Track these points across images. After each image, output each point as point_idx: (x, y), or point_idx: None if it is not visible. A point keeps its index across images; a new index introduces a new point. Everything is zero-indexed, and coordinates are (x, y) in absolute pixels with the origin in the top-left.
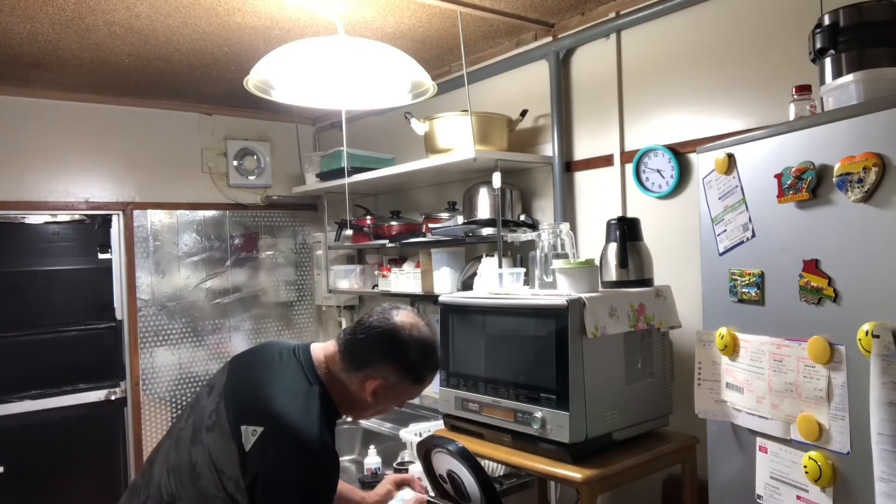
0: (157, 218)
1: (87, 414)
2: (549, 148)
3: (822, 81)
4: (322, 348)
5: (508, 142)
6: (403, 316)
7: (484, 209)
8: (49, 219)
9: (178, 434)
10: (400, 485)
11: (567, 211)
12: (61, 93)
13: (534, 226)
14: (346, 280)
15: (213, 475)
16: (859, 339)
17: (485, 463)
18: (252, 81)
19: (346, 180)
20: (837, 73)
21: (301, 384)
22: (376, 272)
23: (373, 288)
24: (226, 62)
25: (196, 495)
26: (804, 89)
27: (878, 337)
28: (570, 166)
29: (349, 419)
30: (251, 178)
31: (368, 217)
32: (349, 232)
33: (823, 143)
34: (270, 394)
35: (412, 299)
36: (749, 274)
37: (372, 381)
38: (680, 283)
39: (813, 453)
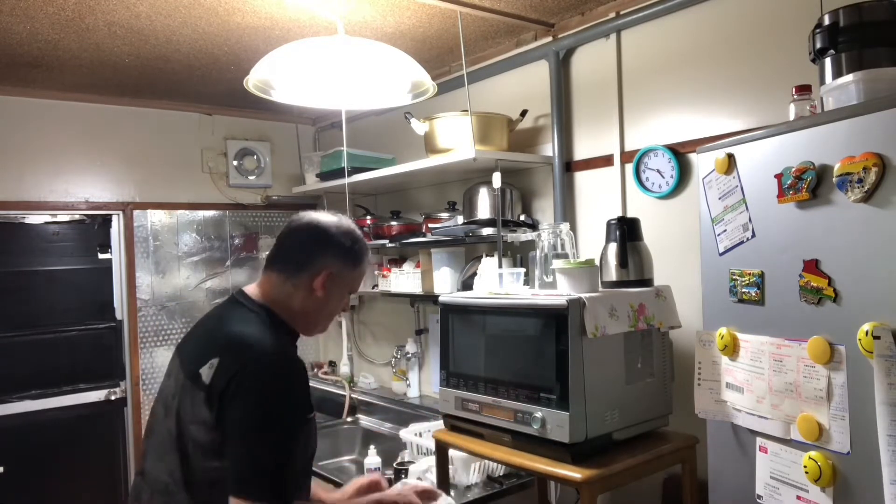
0: (157, 218)
1: (87, 414)
2: (549, 148)
3: (822, 81)
4: (254, 283)
5: (508, 142)
6: (319, 215)
7: (484, 209)
8: (49, 219)
9: (154, 426)
10: (368, 488)
11: (567, 211)
12: (61, 93)
13: (534, 226)
14: None
15: (191, 430)
16: (859, 340)
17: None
18: (252, 81)
19: (346, 180)
20: (837, 73)
21: (245, 314)
22: (376, 272)
23: (373, 288)
24: (226, 62)
25: (183, 458)
26: (804, 89)
27: (878, 338)
28: (570, 166)
29: (308, 336)
30: (251, 178)
31: (368, 217)
32: None
33: (823, 143)
34: (217, 332)
35: (412, 299)
36: (749, 274)
37: (318, 276)
38: (680, 283)
39: (813, 453)
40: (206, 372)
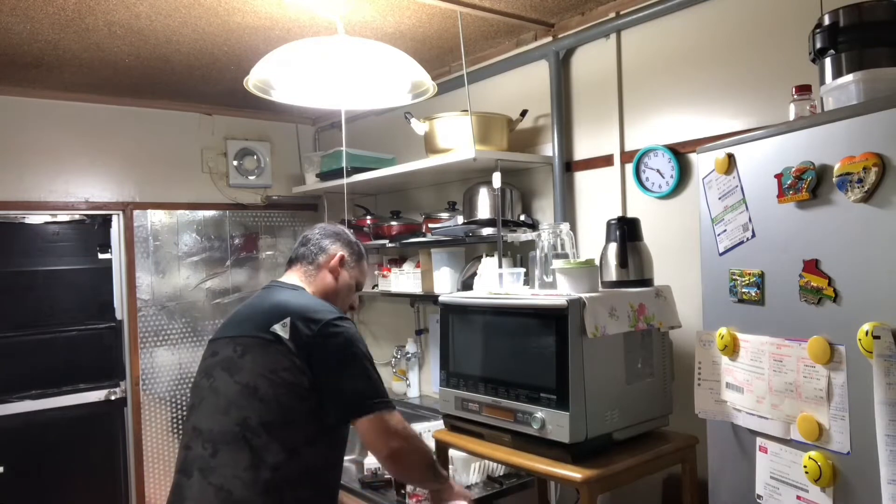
0: (157, 218)
1: (87, 414)
2: (549, 148)
3: (822, 81)
4: (283, 277)
5: (508, 142)
6: (328, 224)
7: (484, 209)
8: (49, 219)
9: (208, 393)
10: None
11: (567, 211)
12: (61, 93)
13: (534, 226)
14: None
15: (269, 379)
16: (859, 340)
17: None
18: (252, 81)
19: (346, 180)
20: (837, 73)
21: (288, 292)
22: (376, 272)
23: (373, 288)
24: (226, 62)
25: (261, 405)
26: (804, 89)
27: (878, 338)
28: (570, 166)
29: None
30: (251, 178)
31: (368, 217)
32: None
33: (823, 143)
34: (273, 303)
35: (412, 299)
36: (749, 274)
37: (332, 258)
38: (680, 283)
39: (813, 453)
40: (280, 329)
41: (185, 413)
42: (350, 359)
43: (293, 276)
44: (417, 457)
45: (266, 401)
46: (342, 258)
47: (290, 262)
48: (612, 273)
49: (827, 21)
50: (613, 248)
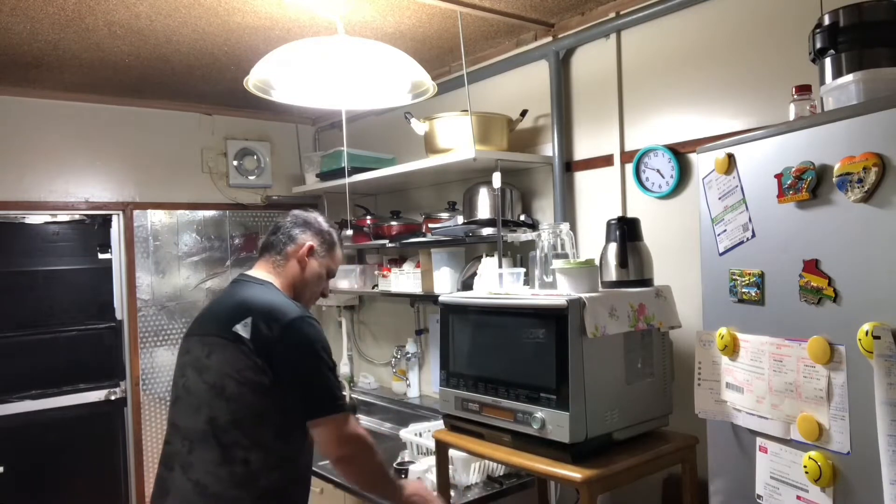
0: (157, 218)
1: (87, 414)
2: (549, 148)
3: (822, 81)
4: (252, 270)
5: (508, 142)
6: (301, 211)
7: (484, 209)
8: (49, 219)
9: (182, 391)
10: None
11: (567, 211)
12: (61, 93)
13: (534, 226)
14: (346, 280)
15: (234, 378)
16: (859, 340)
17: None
18: (252, 81)
19: (346, 180)
20: (837, 73)
21: (255, 287)
22: (376, 272)
23: (373, 288)
24: (226, 62)
25: (226, 404)
26: (804, 89)
27: (878, 338)
28: (570, 166)
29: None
30: (251, 178)
31: (368, 217)
32: (349, 232)
33: (823, 143)
34: (238, 300)
35: (412, 299)
36: (749, 274)
37: (300, 248)
38: (680, 283)
39: (813, 453)
40: (242, 328)
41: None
42: (309, 361)
43: (261, 269)
44: (368, 466)
45: (232, 400)
46: (311, 248)
47: (261, 252)
48: (612, 273)
49: (827, 21)
50: (613, 248)
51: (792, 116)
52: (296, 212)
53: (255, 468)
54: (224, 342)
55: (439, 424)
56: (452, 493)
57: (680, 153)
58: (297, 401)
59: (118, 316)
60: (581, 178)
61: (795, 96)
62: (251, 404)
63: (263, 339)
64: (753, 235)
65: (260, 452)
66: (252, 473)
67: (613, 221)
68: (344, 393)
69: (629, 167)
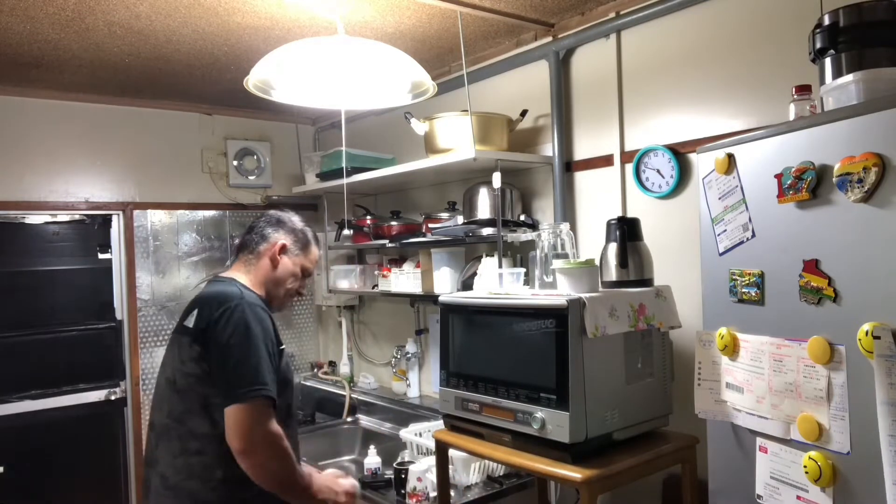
0: (157, 218)
1: (87, 414)
2: (549, 148)
3: (822, 81)
4: (224, 271)
5: (508, 142)
6: (277, 211)
7: (484, 209)
8: (49, 219)
9: (156, 392)
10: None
11: (567, 211)
12: (61, 93)
13: (534, 226)
14: (346, 280)
15: (181, 371)
16: (859, 340)
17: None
18: (252, 81)
19: (346, 180)
20: (837, 73)
21: (217, 284)
22: (376, 272)
23: (373, 288)
24: (226, 62)
25: (178, 396)
26: (804, 89)
27: (878, 338)
28: (570, 166)
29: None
30: (251, 178)
31: (368, 217)
32: (349, 232)
33: (823, 143)
34: (197, 296)
35: (412, 299)
36: (749, 274)
37: (272, 246)
38: (680, 283)
39: (813, 453)
40: (190, 321)
41: None
42: (234, 341)
43: (233, 269)
44: (274, 464)
45: (181, 391)
46: (283, 246)
47: (236, 252)
48: (612, 273)
49: (827, 21)
50: (613, 248)
51: (792, 116)
52: (271, 212)
53: (211, 459)
54: (177, 336)
55: (439, 424)
56: (452, 493)
57: (680, 153)
58: (218, 380)
59: (118, 316)
60: (581, 178)
61: (795, 96)
62: (198, 395)
63: (202, 325)
64: (753, 235)
65: (213, 443)
66: (207, 464)
67: (613, 221)
68: (269, 381)
69: (629, 167)
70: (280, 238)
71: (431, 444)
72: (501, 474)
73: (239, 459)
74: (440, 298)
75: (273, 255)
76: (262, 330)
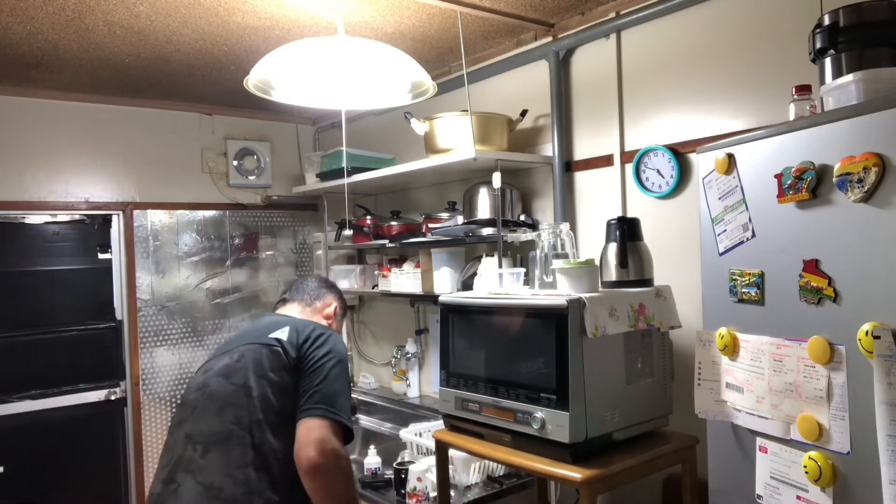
0: (157, 218)
1: (87, 414)
2: (549, 148)
3: (822, 81)
4: (282, 310)
5: (508, 142)
6: (325, 278)
7: (484, 209)
8: (49, 219)
9: (203, 401)
10: None
11: (567, 211)
12: (61, 93)
13: (534, 226)
14: (346, 280)
15: (263, 378)
16: (859, 340)
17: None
18: (252, 81)
19: (346, 180)
20: (837, 73)
21: (287, 317)
22: (376, 272)
23: (373, 288)
24: (226, 62)
25: (254, 403)
26: (804, 89)
27: (878, 338)
28: (570, 166)
29: None
30: (251, 178)
31: (368, 217)
32: (349, 232)
33: (823, 143)
34: (274, 320)
35: (412, 299)
36: (749, 274)
37: (328, 305)
38: (680, 283)
39: (813, 453)
40: (280, 334)
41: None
42: (331, 364)
43: (291, 310)
44: (341, 488)
45: (260, 399)
46: (336, 310)
47: (287, 299)
48: (612, 273)
49: (827, 21)
50: (613, 248)
51: (792, 116)
52: (318, 274)
53: (274, 478)
54: (258, 346)
55: (439, 424)
56: (452, 493)
57: (680, 153)
58: (304, 392)
59: (118, 316)
60: (581, 178)
61: (795, 96)
62: (277, 407)
63: (300, 341)
64: (753, 235)
65: (282, 461)
66: (269, 481)
67: (613, 221)
68: (352, 417)
69: (629, 167)
70: (334, 301)
71: (431, 444)
72: (501, 474)
73: (306, 478)
74: (440, 298)
75: (329, 315)
76: (349, 367)
